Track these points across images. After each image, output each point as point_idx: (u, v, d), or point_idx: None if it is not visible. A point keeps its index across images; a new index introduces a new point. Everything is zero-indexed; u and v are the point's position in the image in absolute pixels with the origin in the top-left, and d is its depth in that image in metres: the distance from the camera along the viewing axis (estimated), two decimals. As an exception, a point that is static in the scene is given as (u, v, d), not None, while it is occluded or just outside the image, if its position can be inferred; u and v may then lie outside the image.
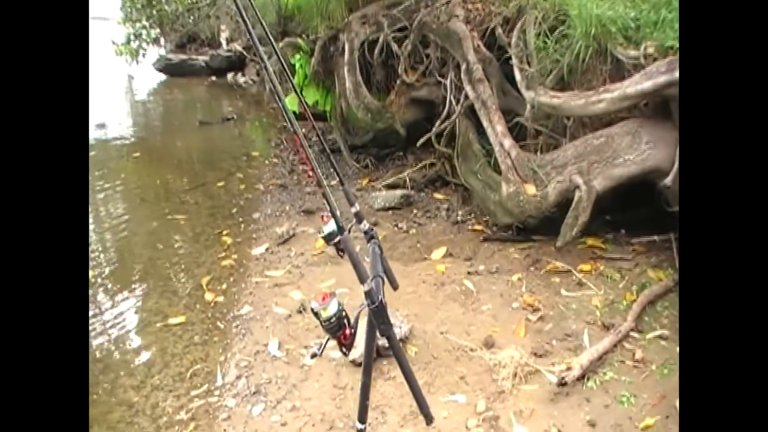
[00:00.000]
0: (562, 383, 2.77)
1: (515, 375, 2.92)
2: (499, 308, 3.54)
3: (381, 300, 1.78)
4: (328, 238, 1.97)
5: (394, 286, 2.36)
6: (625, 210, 4.19)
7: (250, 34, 1.70)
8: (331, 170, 5.35)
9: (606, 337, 3.07)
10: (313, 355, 1.79)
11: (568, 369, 2.83)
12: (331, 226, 2.03)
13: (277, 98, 1.70)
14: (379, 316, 1.80)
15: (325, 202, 1.76)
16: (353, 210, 2.29)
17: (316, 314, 1.73)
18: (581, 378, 2.85)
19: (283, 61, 2.79)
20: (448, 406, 2.82)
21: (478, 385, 2.94)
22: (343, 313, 1.73)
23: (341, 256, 1.94)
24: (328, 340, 1.80)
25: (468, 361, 3.13)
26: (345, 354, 1.80)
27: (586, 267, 3.78)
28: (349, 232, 2.26)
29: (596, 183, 3.68)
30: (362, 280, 1.75)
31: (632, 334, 3.14)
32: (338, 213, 1.79)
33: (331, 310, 1.71)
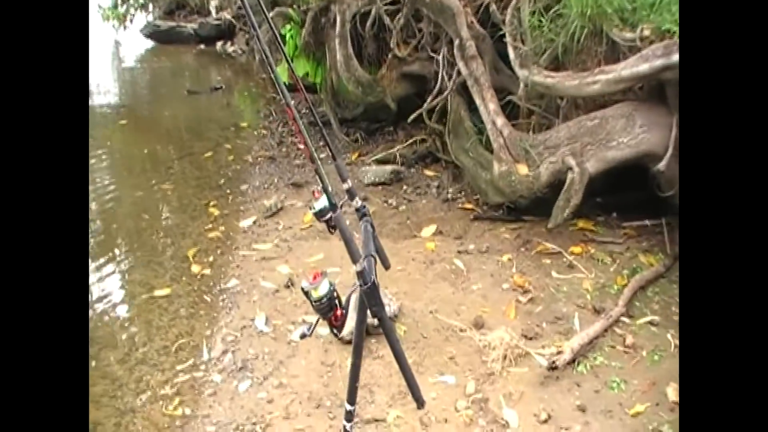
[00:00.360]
0: (552, 367, 2.75)
1: (505, 357, 2.91)
2: (489, 288, 3.51)
3: (373, 280, 1.75)
4: (319, 215, 1.90)
5: (386, 266, 2.33)
6: (617, 193, 4.16)
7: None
8: (322, 144, 5.32)
9: (597, 321, 3.05)
10: (303, 336, 1.76)
11: (559, 353, 2.81)
12: (322, 202, 1.96)
13: (269, 68, 1.64)
14: (371, 297, 1.76)
15: (318, 177, 1.71)
16: (345, 186, 2.24)
17: (307, 294, 1.69)
18: (571, 362, 2.83)
19: (275, 30, 2.72)
20: (437, 387, 2.80)
21: (467, 366, 2.92)
22: (335, 294, 1.69)
23: (332, 233, 1.89)
24: (318, 320, 1.76)
25: (457, 341, 3.10)
26: (336, 335, 1.76)
27: (577, 249, 3.76)
28: (341, 208, 2.22)
29: (589, 165, 3.64)
30: (354, 260, 1.71)
31: (623, 319, 3.13)
32: (330, 189, 1.74)
33: (322, 290, 1.67)
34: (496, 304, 3.37)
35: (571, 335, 3.01)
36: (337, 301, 1.70)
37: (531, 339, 3.06)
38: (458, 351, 3.02)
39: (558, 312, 3.25)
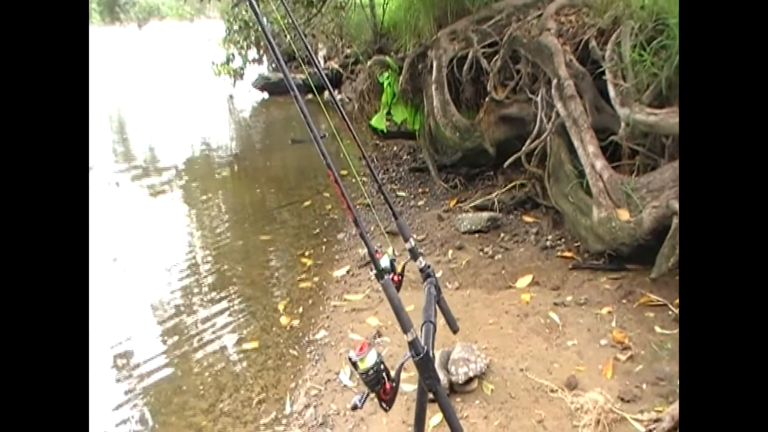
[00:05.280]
0: (649, 438, 2.49)
1: (598, 422, 2.66)
2: (586, 344, 3.27)
3: (426, 351, 1.63)
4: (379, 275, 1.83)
5: (454, 329, 2.20)
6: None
7: (275, 53, 1.60)
8: (421, 191, 5.25)
9: (703, 383, 2.75)
10: (354, 407, 1.65)
11: (657, 420, 2.54)
12: (385, 262, 1.92)
13: (304, 118, 1.57)
14: (424, 369, 1.64)
15: (363, 243, 1.64)
16: (408, 246, 2.14)
17: (354, 365, 1.59)
18: (672, 430, 2.56)
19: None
20: (522, 455, 2.61)
21: (556, 432, 2.71)
22: (382, 366, 1.58)
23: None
24: (368, 393, 1.66)
25: (548, 402, 2.89)
26: (386, 410, 1.64)
27: (685, 301, 3.44)
28: (404, 269, 2.13)
29: (696, 208, 3.36)
30: (405, 330, 1.60)
31: (733, 380, 2.81)
32: (377, 256, 1.67)
33: (369, 361, 1.57)
34: (592, 361, 3.12)
35: (673, 398, 2.72)
36: (385, 374, 1.59)
37: (628, 402, 2.79)
38: (548, 414, 2.80)
39: (660, 372, 2.95)
